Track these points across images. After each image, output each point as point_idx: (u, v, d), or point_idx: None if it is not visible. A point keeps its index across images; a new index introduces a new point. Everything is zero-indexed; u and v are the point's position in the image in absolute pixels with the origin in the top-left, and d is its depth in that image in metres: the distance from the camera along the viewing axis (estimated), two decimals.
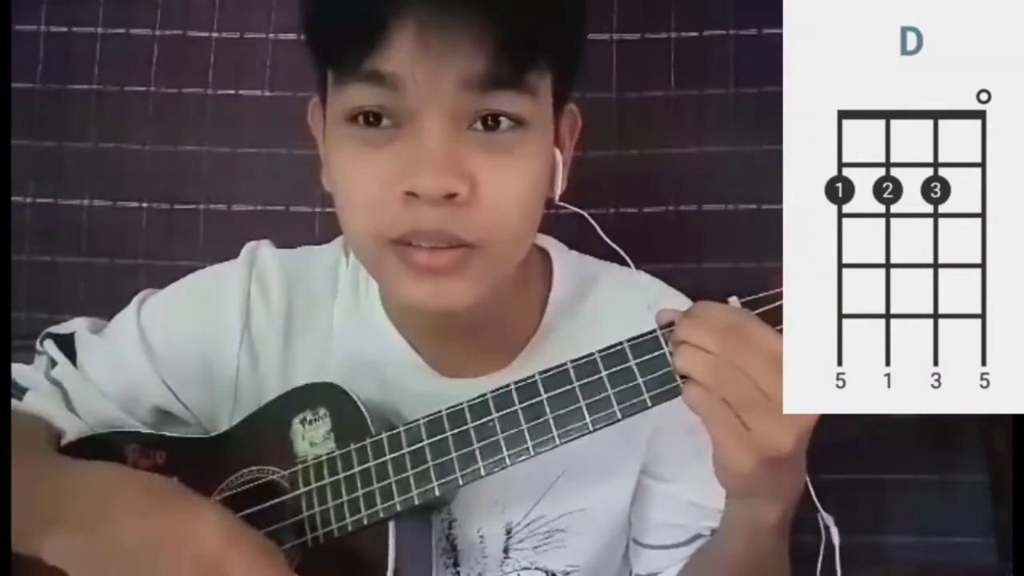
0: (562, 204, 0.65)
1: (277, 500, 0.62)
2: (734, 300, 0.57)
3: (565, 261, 0.73)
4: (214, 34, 1.12)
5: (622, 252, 0.68)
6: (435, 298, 0.58)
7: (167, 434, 0.68)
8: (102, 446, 0.67)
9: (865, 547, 1.03)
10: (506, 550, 0.71)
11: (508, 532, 0.70)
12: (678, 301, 0.72)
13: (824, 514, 0.63)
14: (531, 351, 0.69)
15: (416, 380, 0.68)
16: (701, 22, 1.08)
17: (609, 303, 0.72)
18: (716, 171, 1.07)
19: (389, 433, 0.61)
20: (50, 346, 0.71)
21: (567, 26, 0.60)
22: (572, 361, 0.58)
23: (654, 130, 1.08)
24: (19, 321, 1.03)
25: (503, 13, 0.53)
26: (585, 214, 0.66)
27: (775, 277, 0.52)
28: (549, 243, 0.73)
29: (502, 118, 0.56)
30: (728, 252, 1.06)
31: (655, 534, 0.73)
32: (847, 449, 0.88)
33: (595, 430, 0.57)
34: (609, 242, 0.68)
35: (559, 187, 0.63)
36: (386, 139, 0.56)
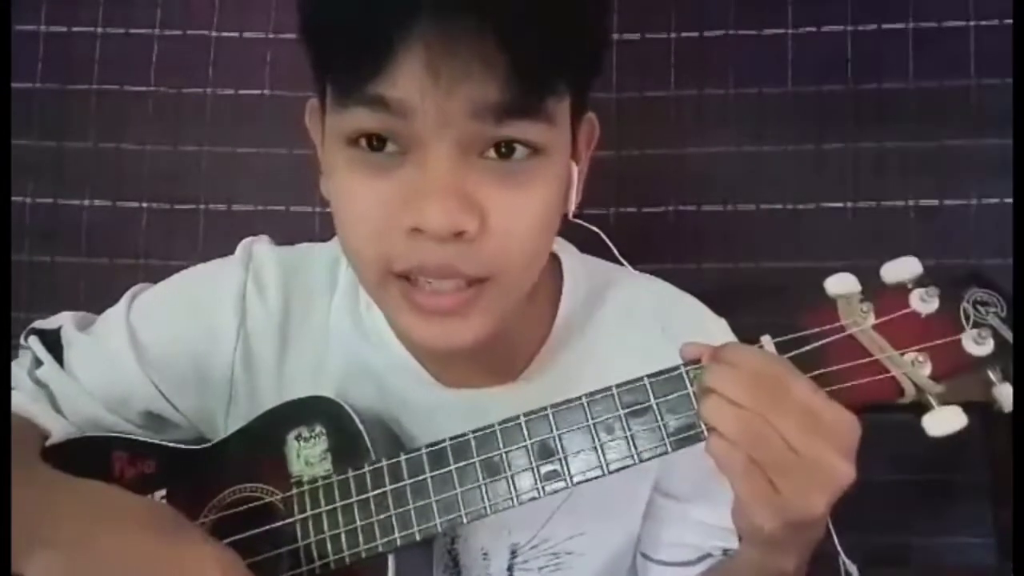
0: (577, 221, 0.62)
1: (273, 526, 0.60)
2: (767, 340, 0.52)
3: (576, 267, 0.69)
4: (214, 34, 1.12)
5: (630, 267, 0.66)
6: (442, 339, 0.55)
7: (158, 442, 0.66)
8: (89, 450, 0.65)
9: (865, 547, 1.03)
10: (510, 569, 0.68)
11: (513, 553, 0.68)
12: (692, 311, 0.70)
13: (847, 560, 0.61)
14: (540, 363, 0.66)
15: (418, 390, 0.65)
16: (701, 22, 1.08)
17: (621, 314, 0.68)
18: (716, 171, 1.07)
19: (389, 461, 0.58)
20: (35, 343, 0.68)
21: (589, 49, 0.55)
22: (587, 395, 0.54)
23: (654, 130, 1.08)
24: (19, 321, 1.03)
25: (518, 37, 0.48)
26: (600, 232, 0.63)
27: (809, 317, 0.51)
28: (561, 247, 0.69)
29: (517, 145, 0.52)
30: (728, 252, 1.06)
31: (665, 551, 0.70)
32: None
33: (611, 472, 0.53)
34: (620, 258, 0.65)
35: (573, 203, 0.59)
36: (391, 165, 0.52)
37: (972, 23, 1.06)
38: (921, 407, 0.51)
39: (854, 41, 1.06)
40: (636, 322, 0.67)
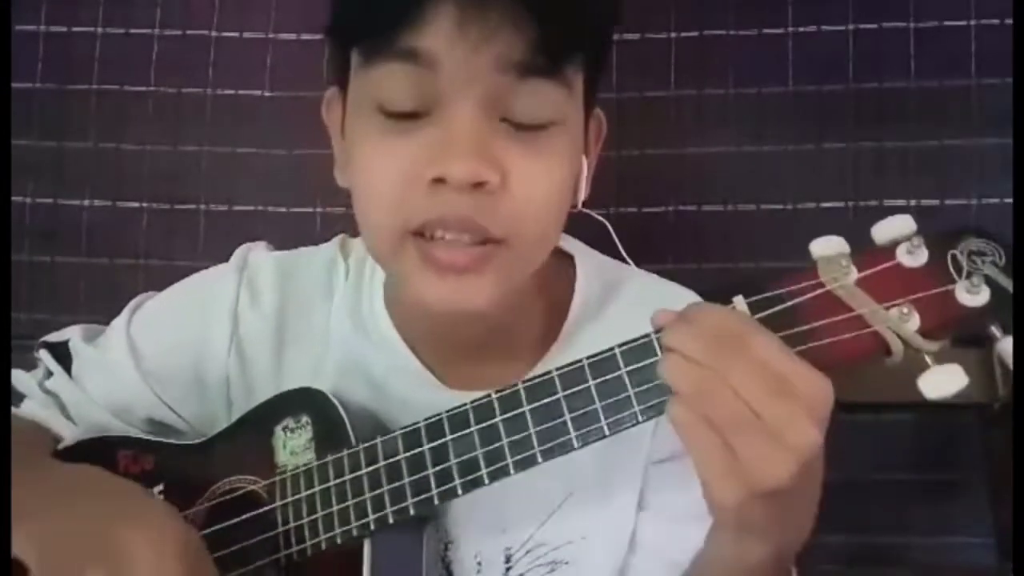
0: (586, 211, 0.64)
1: (253, 513, 0.61)
2: (739, 300, 0.49)
3: (588, 266, 0.69)
4: (214, 34, 1.12)
5: (633, 264, 0.66)
6: (454, 296, 0.56)
7: (157, 439, 0.68)
8: (95, 451, 0.66)
9: (865, 547, 1.03)
10: None
11: (507, 559, 0.67)
12: None
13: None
14: (548, 362, 0.64)
15: (419, 391, 0.65)
16: (701, 22, 1.08)
17: (632, 314, 0.67)
18: (716, 171, 1.07)
19: (366, 444, 0.58)
20: (45, 355, 0.71)
21: (603, 22, 0.59)
22: (557, 369, 0.53)
23: (654, 130, 1.08)
24: (19, 321, 1.03)
25: (547, 5, 0.52)
26: (607, 224, 0.64)
27: (783, 276, 0.49)
28: (574, 246, 0.70)
29: (536, 111, 0.55)
30: (728, 252, 1.06)
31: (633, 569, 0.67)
32: (847, 449, 0.88)
33: (581, 446, 0.52)
34: (624, 254, 0.65)
35: (583, 193, 0.62)
36: (414, 126, 0.55)
37: (973, 23, 1.06)
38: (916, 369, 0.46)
39: (854, 41, 1.06)
40: (642, 322, 0.67)
